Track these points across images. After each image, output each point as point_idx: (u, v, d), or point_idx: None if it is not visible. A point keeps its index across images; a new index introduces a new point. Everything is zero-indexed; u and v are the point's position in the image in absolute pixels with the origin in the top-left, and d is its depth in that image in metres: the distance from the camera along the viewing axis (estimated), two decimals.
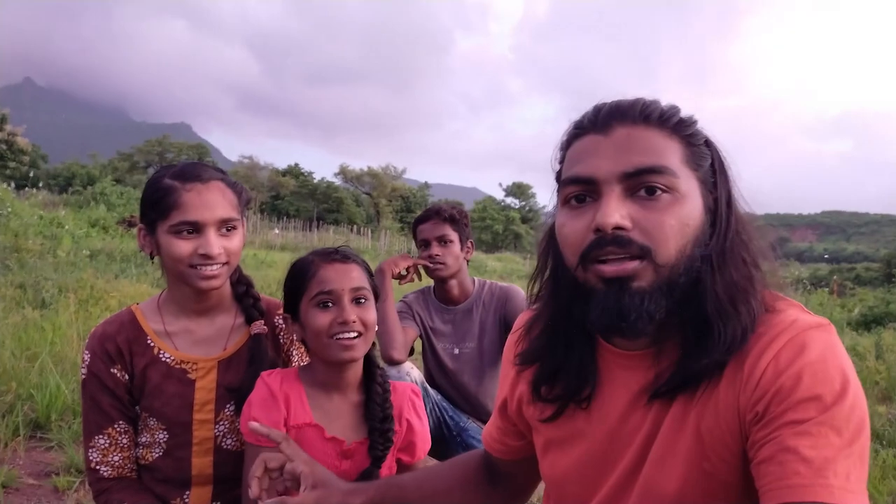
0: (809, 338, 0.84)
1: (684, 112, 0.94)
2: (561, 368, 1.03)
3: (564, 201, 0.94)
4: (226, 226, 1.55)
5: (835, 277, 24.12)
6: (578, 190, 0.91)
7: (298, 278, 1.51)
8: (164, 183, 1.53)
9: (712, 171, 0.93)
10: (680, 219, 0.87)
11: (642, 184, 0.87)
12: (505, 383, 1.21)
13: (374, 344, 1.57)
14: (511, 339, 1.18)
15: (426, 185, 66.79)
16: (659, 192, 0.87)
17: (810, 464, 0.76)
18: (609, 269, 0.87)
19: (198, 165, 1.60)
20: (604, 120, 0.91)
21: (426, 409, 2.48)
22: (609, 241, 0.87)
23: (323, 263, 1.49)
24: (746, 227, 0.94)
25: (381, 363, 1.61)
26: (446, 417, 2.62)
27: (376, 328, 1.54)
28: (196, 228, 1.51)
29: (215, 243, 1.51)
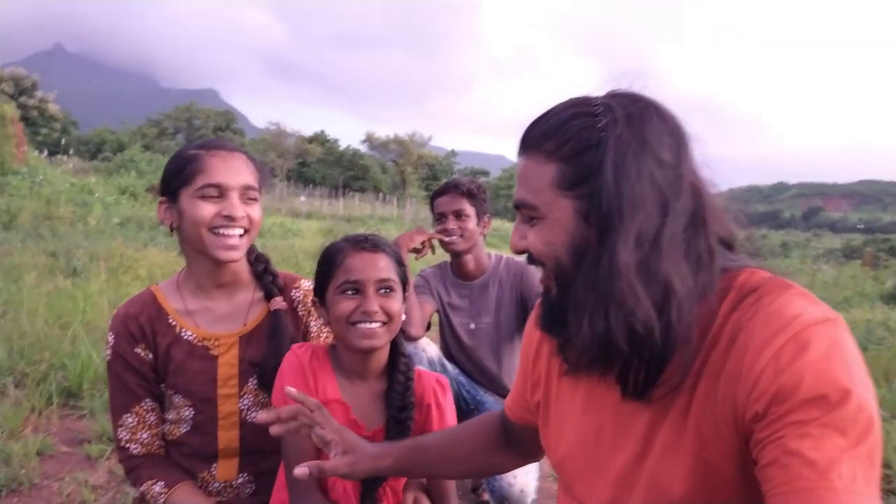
0: (813, 334, 0.80)
1: (582, 111, 0.94)
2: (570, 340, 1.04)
3: None
4: (248, 194, 1.57)
5: (868, 249, 23.59)
6: None
7: (327, 264, 1.52)
8: (189, 152, 1.56)
9: (602, 173, 0.90)
10: (543, 238, 0.98)
11: (522, 213, 1.02)
12: (530, 347, 1.25)
13: (402, 331, 1.58)
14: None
15: (453, 153, 66.38)
16: (532, 218, 1.00)
17: (814, 466, 0.75)
18: (540, 279, 1.05)
19: (222, 139, 1.65)
20: (518, 146, 1.02)
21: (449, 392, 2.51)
22: (528, 258, 1.03)
23: (351, 251, 1.50)
24: (642, 212, 0.89)
25: (407, 350, 1.61)
26: (463, 392, 2.65)
27: (403, 318, 1.54)
28: (220, 192, 1.53)
29: (238, 206, 1.53)
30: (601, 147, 0.90)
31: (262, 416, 1.21)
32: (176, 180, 1.56)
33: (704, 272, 0.90)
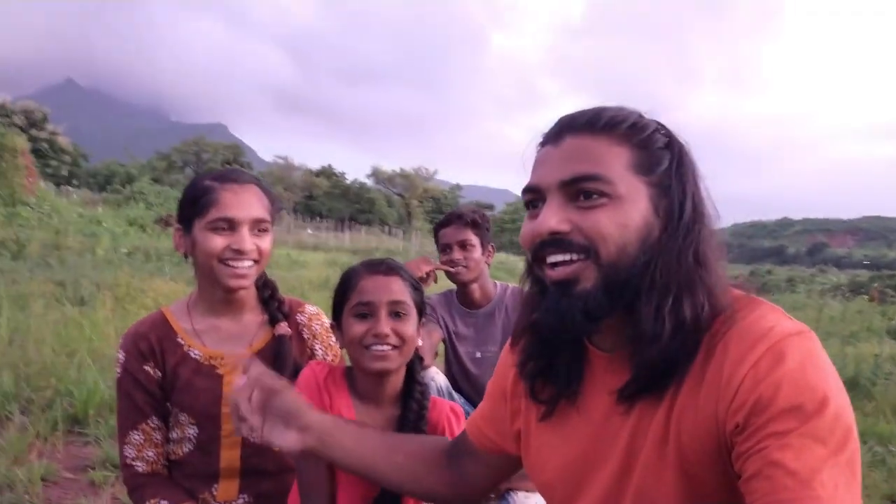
0: (788, 346, 0.82)
1: (644, 118, 0.98)
2: (549, 367, 1.06)
3: (525, 208, 1.02)
4: (258, 226, 1.61)
5: (875, 284, 23.52)
6: (531, 197, 0.99)
7: (343, 287, 1.54)
8: (204, 183, 1.61)
9: (671, 174, 0.94)
10: (617, 220, 0.91)
11: (580, 190, 0.93)
12: (506, 374, 1.21)
13: (420, 358, 1.58)
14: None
15: (458, 187, 66.76)
16: (595, 196, 0.92)
17: (796, 476, 0.75)
18: (555, 273, 0.94)
19: (236, 170, 1.69)
20: (557, 132, 0.98)
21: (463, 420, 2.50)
22: (549, 243, 0.94)
23: (366, 274, 1.51)
24: (705, 228, 0.94)
25: (423, 378, 1.61)
26: None
27: (419, 343, 1.54)
28: (231, 225, 1.58)
29: (248, 240, 1.58)
30: (672, 150, 0.95)
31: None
32: (190, 210, 1.61)
33: (714, 288, 0.93)
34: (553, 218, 0.93)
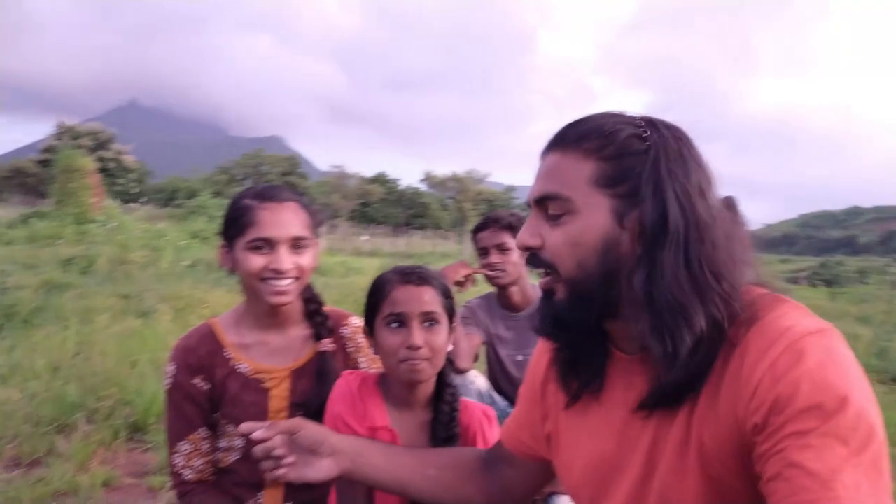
0: (808, 344, 0.80)
1: (622, 124, 0.95)
2: (576, 360, 1.06)
3: None
4: (297, 243, 1.63)
5: None
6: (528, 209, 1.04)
7: (375, 296, 1.55)
8: (244, 203, 1.64)
9: (641, 182, 0.92)
10: (571, 237, 0.95)
11: (546, 208, 0.98)
12: (537, 368, 1.24)
13: (450, 362, 1.59)
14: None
15: (511, 188, 66.49)
16: (558, 214, 0.97)
17: (816, 477, 0.73)
18: (540, 282, 1.02)
19: (276, 187, 1.70)
20: (545, 147, 1.01)
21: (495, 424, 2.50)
22: (529, 258, 1.01)
23: (398, 284, 1.52)
24: (704, 231, 0.90)
25: (454, 381, 1.62)
26: None
27: (449, 349, 1.55)
28: (269, 244, 1.60)
29: (286, 259, 1.60)
30: (648, 155, 0.93)
31: (248, 427, 1.21)
32: (231, 229, 1.64)
33: (727, 296, 0.91)
34: (525, 233, 1.00)
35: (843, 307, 12.20)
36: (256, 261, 1.60)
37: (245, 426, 1.22)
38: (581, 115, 1.01)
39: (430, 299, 1.51)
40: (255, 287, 1.63)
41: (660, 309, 0.88)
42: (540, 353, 1.24)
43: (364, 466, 1.23)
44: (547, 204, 0.98)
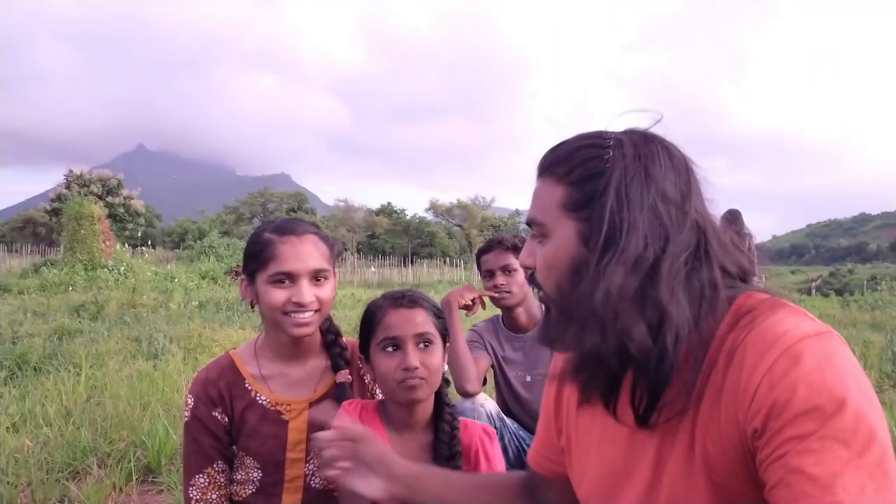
0: (805, 347, 0.80)
1: (588, 145, 0.98)
2: (589, 362, 1.06)
3: None
4: (318, 276, 1.65)
5: None
6: None
7: (368, 322, 1.58)
8: (264, 237, 1.66)
9: (595, 203, 0.94)
10: (546, 259, 1.01)
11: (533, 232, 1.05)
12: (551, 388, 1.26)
13: (447, 381, 1.61)
14: None
15: (517, 213, 66.57)
16: (539, 238, 1.03)
17: (817, 481, 0.73)
18: (539, 296, 1.07)
19: (294, 221, 1.72)
20: (536, 171, 1.06)
21: (503, 440, 2.48)
22: (529, 277, 1.08)
23: (390, 308, 1.55)
24: (665, 242, 0.91)
25: (452, 401, 1.64)
26: (525, 446, 2.61)
27: (444, 368, 1.58)
28: (290, 278, 1.62)
29: (307, 292, 1.62)
30: (605, 176, 0.95)
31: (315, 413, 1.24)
32: (252, 263, 1.66)
33: (706, 301, 0.92)
34: (524, 253, 1.07)
35: (855, 315, 12.09)
36: (279, 295, 1.62)
37: (314, 411, 1.27)
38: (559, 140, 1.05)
39: (422, 321, 1.54)
40: (277, 320, 1.64)
41: (601, 320, 0.90)
42: (554, 368, 1.26)
43: (420, 493, 1.23)
44: (533, 227, 1.04)
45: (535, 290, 1.09)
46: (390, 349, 1.52)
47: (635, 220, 0.91)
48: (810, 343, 0.81)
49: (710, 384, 0.89)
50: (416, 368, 1.49)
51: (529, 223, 1.05)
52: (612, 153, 0.96)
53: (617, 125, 1.03)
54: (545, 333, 1.04)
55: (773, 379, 0.80)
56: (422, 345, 1.53)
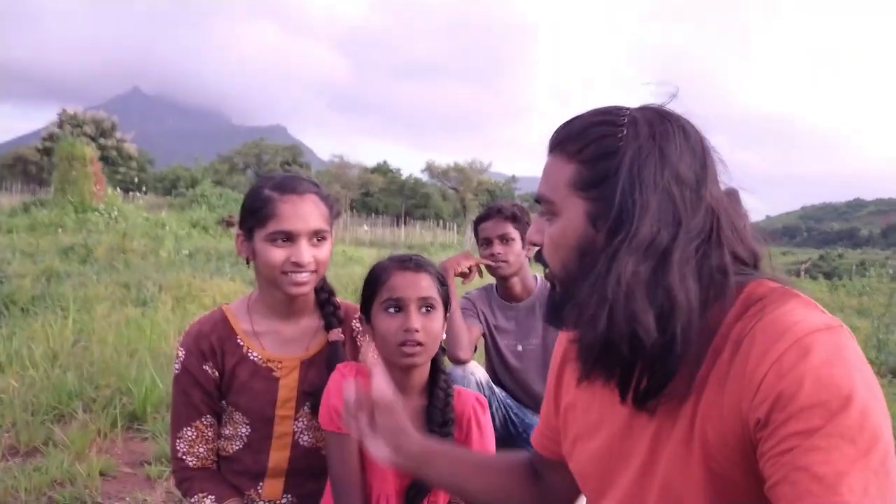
0: (815, 341, 0.79)
1: (603, 122, 0.95)
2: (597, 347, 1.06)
3: None
4: (317, 236, 1.64)
5: None
6: None
7: (372, 282, 1.58)
8: (264, 193, 1.63)
9: (609, 182, 0.92)
10: (553, 237, 1.00)
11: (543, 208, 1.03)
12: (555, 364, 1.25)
13: (443, 349, 1.62)
14: None
15: (513, 179, 66.44)
16: (548, 215, 1.01)
17: (822, 481, 0.72)
18: (544, 273, 1.07)
19: (295, 178, 1.70)
20: (547, 146, 1.04)
21: (491, 409, 2.49)
22: (536, 254, 1.07)
23: (395, 270, 1.55)
24: (676, 227, 0.89)
25: (447, 367, 1.66)
26: (511, 415, 2.62)
27: (443, 336, 1.58)
28: (290, 238, 1.60)
29: (306, 252, 1.61)
30: (618, 155, 0.92)
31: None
32: (251, 219, 1.64)
33: (715, 288, 0.90)
34: (532, 229, 1.06)
35: (843, 299, 12.20)
36: (277, 254, 1.60)
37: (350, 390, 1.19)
38: (581, 109, 1.01)
39: (427, 285, 1.54)
40: (274, 278, 1.63)
41: (611, 305, 0.88)
42: (559, 345, 1.25)
43: (429, 469, 1.24)
44: (542, 204, 1.02)
45: (543, 268, 1.06)
46: (392, 310, 1.53)
47: (648, 203, 0.89)
48: (820, 336, 0.80)
49: (714, 372, 0.88)
50: (417, 331, 1.50)
51: (539, 200, 1.03)
52: (626, 131, 0.93)
53: (632, 100, 1.00)
54: (551, 312, 1.03)
55: (781, 370, 0.79)
56: (424, 309, 1.53)
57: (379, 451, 1.19)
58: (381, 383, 1.19)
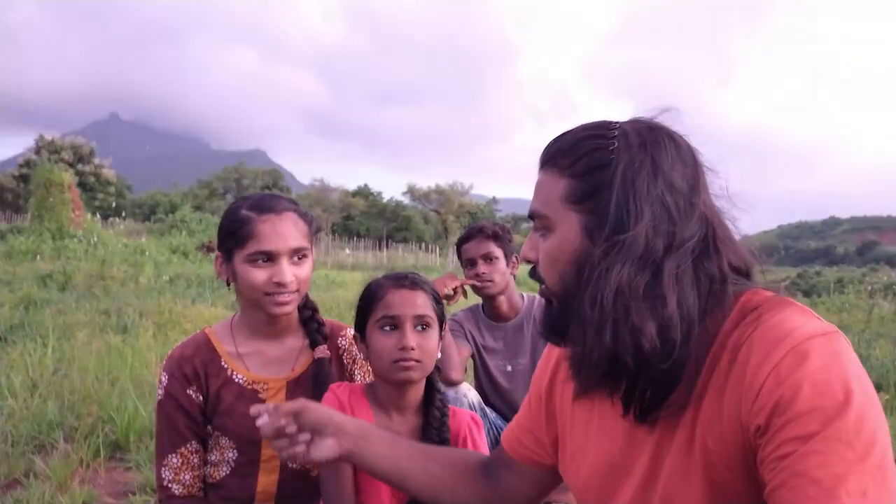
0: (812, 347, 0.81)
1: (591, 136, 0.97)
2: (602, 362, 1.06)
3: None
4: (297, 254, 1.63)
5: None
6: None
7: (368, 300, 1.58)
8: (242, 214, 1.62)
9: (602, 195, 0.93)
10: (549, 252, 1.00)
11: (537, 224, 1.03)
12: (544, 368, 1.24)
13: (437, 368, 1.61)
14: None
15: (494, 200, 66.68)
16: (542, 231, 1.02)
17: (820, 485, 0.73)
18: (539, 290, 1.06)
19: (273, 197, 1.68)
20: (539, 162, 1.05)
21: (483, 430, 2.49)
22: (530, 271, 1.07)
23: (391, 288, 1.55)
24: (670, 237, 0.90)
25: (442, 387, 1.65)
26: None
27: (438, 355, 1.58)
28: (270, 258, 1.59)
29: (288, 272, 1.60)
30: (611, 167, 0.93)
31: (255, 410, 1.18)
32: (229, 241, 1.62)
33: (713, 296, 0.91)
34: (526, 247, 1.06)
35: (823, 316, 12.30)
36: (259, 274, 1.59)
37: (253, 408, 1.18)
38: (563, 129, 1.03)
39: (422, 303, 1.55)
40: (256, 299, 1.62)
41: (613, 319, 0.88)
42: (547, 356, 1.25)
43: (366, 451, 1.21)
44: (534, 222, 1.03)
45: (539, 284, 1.06)
46: (388, 328, 1.53)
47: (642, 212, 0.90)
48: (817, 342, 0.81)
49: (713, 380, 0.89)
50: (413, 349, 1.50)
51: (532, 216, 1.03)
52: (617, 143, 0.94)
53: (620, 115, 1.01)
54: (549, 328, 1.03)
55: (780, 376, 0.80)
56: (420, 327, 1.54)
57: (322, 449, 1.17)
58: (275, 406, 1.17)
